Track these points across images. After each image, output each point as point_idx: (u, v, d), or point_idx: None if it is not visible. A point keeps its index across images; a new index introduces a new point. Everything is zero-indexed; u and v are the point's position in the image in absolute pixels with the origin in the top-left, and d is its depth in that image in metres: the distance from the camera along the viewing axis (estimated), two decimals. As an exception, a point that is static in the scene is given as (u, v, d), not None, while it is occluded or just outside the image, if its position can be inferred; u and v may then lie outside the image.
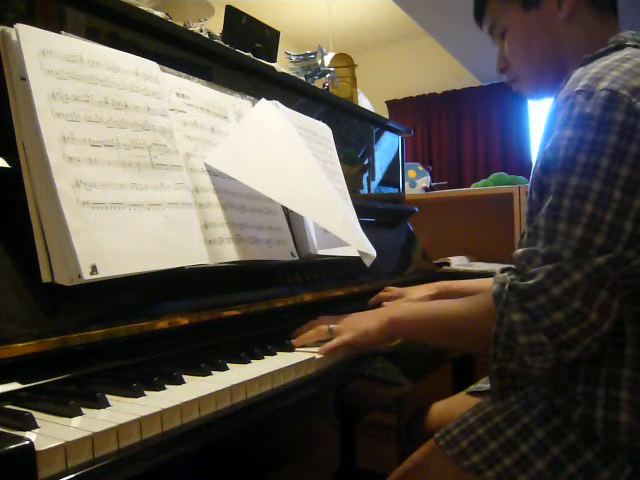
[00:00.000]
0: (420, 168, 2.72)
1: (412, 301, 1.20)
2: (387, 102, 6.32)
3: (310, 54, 1.67)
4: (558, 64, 0.93)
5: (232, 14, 1.25)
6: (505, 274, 0.79)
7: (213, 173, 0.94)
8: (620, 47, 0.85)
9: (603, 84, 0.75)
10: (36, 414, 0.54)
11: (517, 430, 0.83)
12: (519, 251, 0.78)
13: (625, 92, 0.73)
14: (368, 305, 1.18)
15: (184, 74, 0.98)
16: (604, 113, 0.73)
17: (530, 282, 0.73)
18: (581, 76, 0.80)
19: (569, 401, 0.80)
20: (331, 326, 0.93)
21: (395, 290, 1.28)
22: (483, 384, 1.16)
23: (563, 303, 0.71)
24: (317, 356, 0.83)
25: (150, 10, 1.02)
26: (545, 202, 0.77)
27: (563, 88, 0.84)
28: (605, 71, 0.78)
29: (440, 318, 0.90)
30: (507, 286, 0.76)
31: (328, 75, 1.72)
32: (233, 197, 0.96)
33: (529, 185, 0.86)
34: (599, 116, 0.73)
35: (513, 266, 0.78)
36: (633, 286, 0.75)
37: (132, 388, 0.62)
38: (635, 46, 0.85)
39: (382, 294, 1.26)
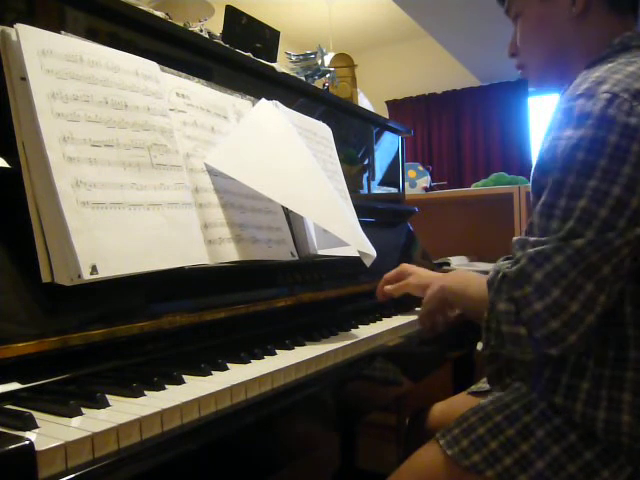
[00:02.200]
0: (420, 168, 2.72)
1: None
2: (387, 102, 6.31)
3: (310, 54, 1.67)
4: (564, 60, 0.93)
5: (232, 14, 1.25)
6: (503, 262, 0.82)
7: (213, 173, 0.94)
8: (626, 49, 0.85)
9: (605, 87, 0.75)
10: (36, 414, 0.54)
11: (517, 429, 0.83)
12: (514, 238, 0.80)
13: (626, 95, 0.73)
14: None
15: (184, 74, 0.98)
16: (604, 113, 0.73)
17: (514, 269, 0.75)
18: (583, 80, 0.80)
19: (571, 400, 0.80)
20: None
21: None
22: (484, 384, 1.16)
23: (544, 291, 0.72)
24: (318, 353, 0.82)
25: (150, 10, 1.02)
26: (542, 199, 0.78)
27: (566, 91, 0.83)
28: (607, 74, 0.77)
29: (473, 300, 0.91)
30: (500, 274, 0.78)
31: (328, 75, 1.71)
32: (233, 197, 0.96)
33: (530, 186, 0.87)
34: (599, 116, 0.73)
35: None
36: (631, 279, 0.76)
37: (132, 388, 0.62)
38: None
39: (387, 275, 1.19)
